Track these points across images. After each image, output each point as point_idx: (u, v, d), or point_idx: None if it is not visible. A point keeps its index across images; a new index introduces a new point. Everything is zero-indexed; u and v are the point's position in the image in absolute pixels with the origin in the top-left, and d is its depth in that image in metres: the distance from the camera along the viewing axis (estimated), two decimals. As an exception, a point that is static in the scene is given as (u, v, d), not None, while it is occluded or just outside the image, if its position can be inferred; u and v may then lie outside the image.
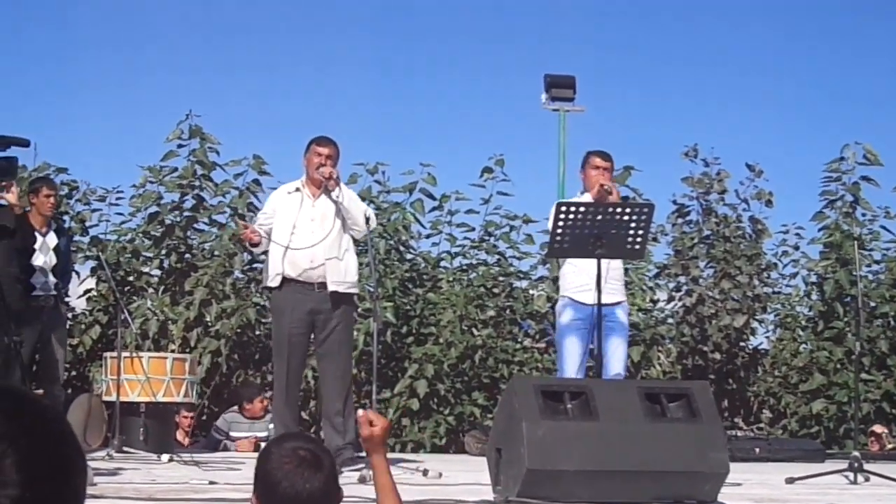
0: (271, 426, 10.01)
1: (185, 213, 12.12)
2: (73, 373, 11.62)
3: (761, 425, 12.53)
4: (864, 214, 12.63)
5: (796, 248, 13.10)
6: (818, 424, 12.06)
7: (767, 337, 13.30)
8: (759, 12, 22.07)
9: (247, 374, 11.76)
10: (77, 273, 11.26)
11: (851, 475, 7.66)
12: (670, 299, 12.93)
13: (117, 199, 12.30)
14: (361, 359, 10.84)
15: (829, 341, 12.33)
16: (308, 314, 7.90)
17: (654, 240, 12.18)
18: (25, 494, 1.40)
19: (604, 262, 7.48)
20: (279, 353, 8.10)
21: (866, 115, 21.51)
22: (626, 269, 8.74)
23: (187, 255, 12.12)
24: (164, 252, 12.09)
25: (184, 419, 10.78)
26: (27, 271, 8.64)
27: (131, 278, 12.09)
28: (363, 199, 9.07)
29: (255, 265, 12.26)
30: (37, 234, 8.78)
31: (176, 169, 12.09)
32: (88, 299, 11.96)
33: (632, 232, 7.25)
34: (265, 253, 8.26)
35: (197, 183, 12.09)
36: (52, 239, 8.94)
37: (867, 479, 7.67)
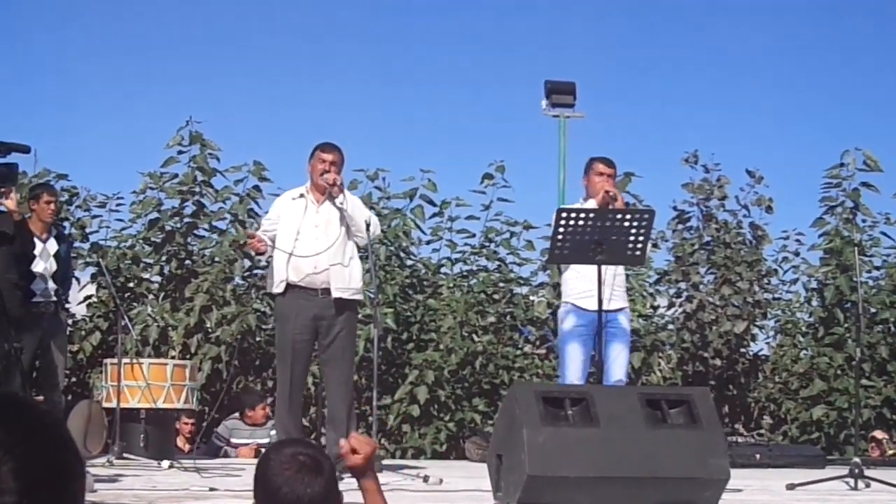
0: (272, 433, 10.01)
1: (186, 220, 12.13)
2: (74, 379, 11.61)
3: (762, 431, 12.53)
4: (864, 220, 12.63)
5: (797, 254, 13.11)
6: (819, 430, 12.06)
7: (768, 343, 13.31)
8: (758, 19, 22.10)
9: (247, 381, 11.76)
10: (77, 279, 11.26)
11: (852, 481, 7.65)
12: (671, 305, 12.93)
13: (117, 205, 12.32)
14: (362, 365, 10.83)
15: (829, 347, 12.32)
16: (312, 320, 7.90)
17: (655, 246, 12.18)
18: (23, 501, 1.40)
19: (608, 267, 7.48)
20: (283, 360, 8.09)
21: (866, 121, 21.53)
22: (626, 276, 8.73)
23: (187, 262, 12.12)
24: (164, 258, 12.09)
25: (184, 425, 10.78)
26: (27, 277, 8.63)
27: (131, 284, 12.09)
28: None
29: (255, 271, 12.26)
30: (37, 240, 8.78)
31: (176, 175, 12.10)
32: (89, 305, 11.96)
33: (632, 238, 7.25)
34: (269, 259, 8.25)
35: (197, 189, 12.09)
36: (52, 245, 8.94)
37: (868, 486, 7.66)
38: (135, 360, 9.61)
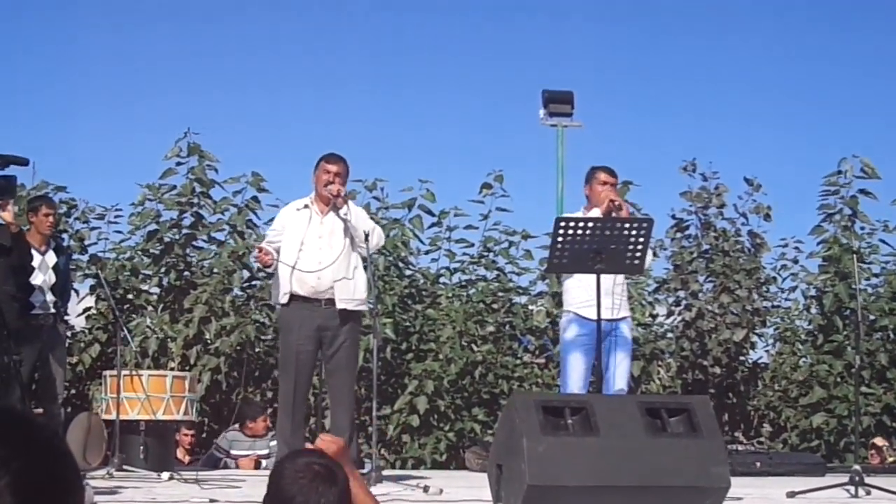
0: (272, 444, 10.00)
1: (184, 231, 12.13)
2: (73, 391, 11.60)
3: (762, 439, 12.52)
4: (862, 228, 12.63)
5: (795, 261, 13.11)
6: (818, 438, 12.05)
7: (767, 351, 13.31)
8: (755, 27, 22.13)
9: (246, 392, 11.75)
10: (76, 291, 11.26)
11: (853, 489, 7.64)
12: (670, 314, 12.93)
13: (116, 217, 12.32)
14: (361, 375, 10.81)
15: (828, 355, 12.32)
16: (316, 330, 7.90)
17: (654, 254, 12.18)
18: (21, 516, 1.39)
19: (610, 276, 7.48)
20: (285, 371, 8.08)
21: (863, 128, 21.55)
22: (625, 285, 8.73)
23: (186, 273, 12.12)
24: (163, 270, 12.09)
25: (184, 437, 10.77)
26: (26, 290, 8.63)
27: (130, 296, 12.08)
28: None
29: (254, 282, 12.26)
30: (36, 252, 8.78)
31: (174, 187, 12.10)
32: (88, 318, 11.96)
33: (631, 247, 7.25)
34: (274, 270, 8.22)
35: (195, 200, 12.09)
36: (51, 257, 8.94)
37: (868, 493, 7.65)
38: (134, 372, 9.60)
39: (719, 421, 7.99)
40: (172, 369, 10.85)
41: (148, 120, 21.63)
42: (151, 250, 12.09)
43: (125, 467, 8.85)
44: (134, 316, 11.86)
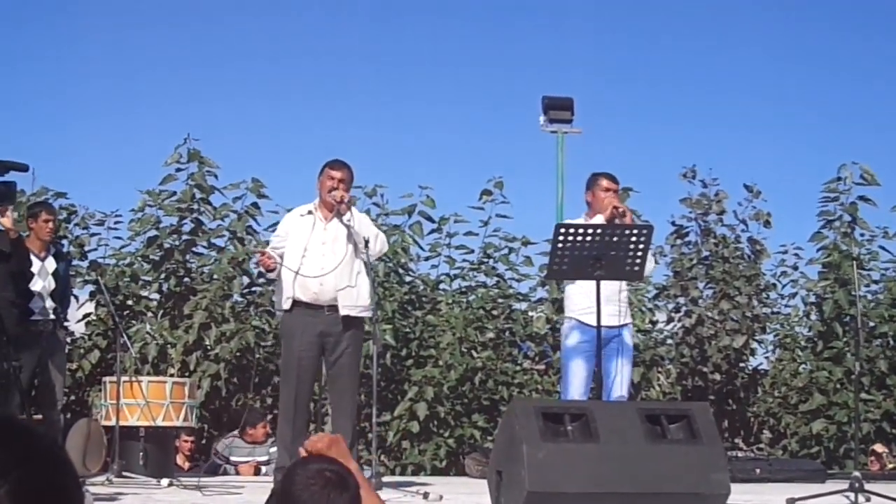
0: (272, 450, 10.00)
1: (184, 237, 12.13)
2: (73, 397, 11.60)
3: (761, 446, 12.51)
4: (862, 234, 12.64)
5: (795, 268, 13.11)
6: (818, 444, 12.04)
7: (767, 357, 13.31)
8: (755, 35, 22.14)
9: (246, 398, 11.75)
10: (76, 297, 11.26)
11: (853, 495, 7.64)
12: (669, 320, 12.93)
13: (116, 223, 12.32)
14: (361, 381, 10.81)
15: (828, 361, 12.32)
16: (318, 336, 7.89)
17: (655, 261, 12.17)
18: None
19: (612, 283, 7.47)
20: (287, 377, 8.07)
21: (863, 135, 21.56)
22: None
23: (186, 279, 12.12)
24: (162, 276, 12.08)
25: (184, 443, 10.76)
26: (26, 296, 8.63)
27: (130, 302, 12.08)
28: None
29: (254, 288, 12.27)
30: (35, 258, 8.78)
31: (174, 193, 12.10)
32: (87, 324, 11.95)
33: (631, 253, 7.25)
34: (276, 276, 8.21)
35: (195, 206, 12.09)
36: (50, 264, 8.94)
37: (868, 500, 7.65)
38: (134, 378, 9.59)
39: (719, 427, 7.97)
40: (172, 375, 10.85)
41: (148, 126, 21.65)
42: (151, 256, 12.09)
43: (125, 474, 8.84)
44: (134, 322, 11.86)
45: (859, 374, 9.37)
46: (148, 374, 10.71)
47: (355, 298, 7.91)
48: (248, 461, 10.56)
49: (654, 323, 12.75)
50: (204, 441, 11.58)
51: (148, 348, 11.34)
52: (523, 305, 12.72)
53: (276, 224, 9.27)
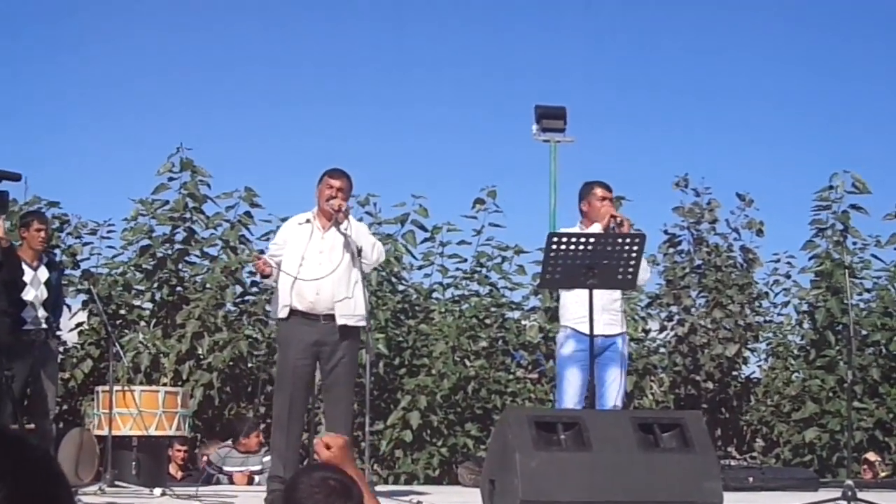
0: (265, 459, 9.98)
1: (177, 246, 12.12)
2: (65, 407, 11.58)
3: (754, 454, 12.52)
4: (854, 243, 12.64)
5: (787, 276, 13.11)
6: (811, 453, 12.04)
7: (759, 366, 13.31)
8: (747, 41, 22.19)
9: (239, 407, 11.74)
10: (68, 307, 11.24)
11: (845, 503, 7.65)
12: (662, 329, 12.93)
13: (108, 232, 12.32)
14: (354, 390, 10.81)
15: (821, 370, 12.32)
16: (313, 345, 7.87)
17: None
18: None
19: (606, 292, 7.46)
20: (281, 386, 8.05)
21: (856, 143, 21.60)
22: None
23: (179, 288, 12.11)
24: (155, 285, 12.07)
25: (177, 453, 10.75)
26: (18, 305, 8.62)
27: (123, 311, 12.07)
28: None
29: (246, 298, 12.26)
30: (28, 268, 8.77)
31: (167, 202, 12.09)
32: (80, 333, 11.94)
33: (623, 262, 7.25)
34: (273, 283, 8.21)
35: (188, 215, 12.09)
36: (43, 273, 8.93)
37: (861, 508, 7.65)
38: (126, 388, 9.58)
39: (712, 436, 8.00)
40: (165, 385, 10.83)
41: (141, 135, 21.63)
42: (144, 265, 12.07)
43: (117, 483, 8.82)
44: (126, 331, 11.85)
45: (852, 382, 9.39)
46: (140, 383, 10.69)
47: (353, 308, 7.90)
48: (242, 470, 10.55)
49: (646, 332, 12.75)
50: (196, 450, 11.56)
51: (140, 357, 11.33)
52: (516, 314, 12.73)
53: (269, 233, 9.30)
